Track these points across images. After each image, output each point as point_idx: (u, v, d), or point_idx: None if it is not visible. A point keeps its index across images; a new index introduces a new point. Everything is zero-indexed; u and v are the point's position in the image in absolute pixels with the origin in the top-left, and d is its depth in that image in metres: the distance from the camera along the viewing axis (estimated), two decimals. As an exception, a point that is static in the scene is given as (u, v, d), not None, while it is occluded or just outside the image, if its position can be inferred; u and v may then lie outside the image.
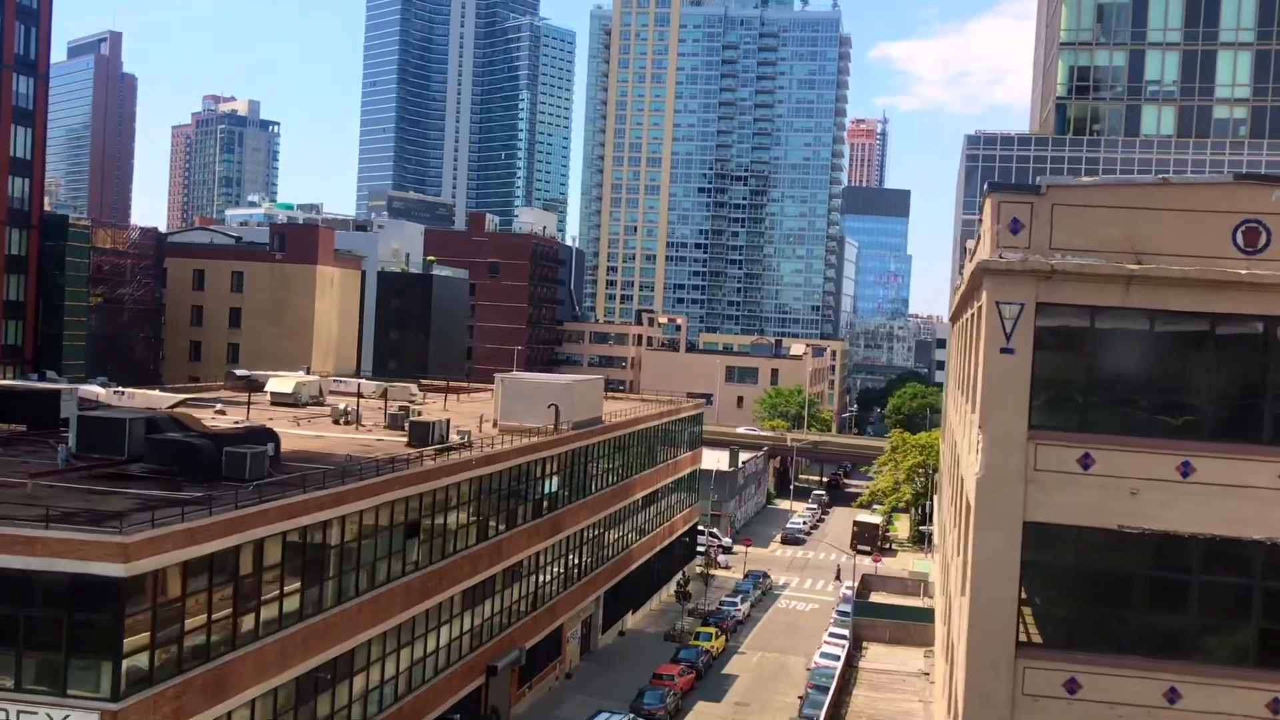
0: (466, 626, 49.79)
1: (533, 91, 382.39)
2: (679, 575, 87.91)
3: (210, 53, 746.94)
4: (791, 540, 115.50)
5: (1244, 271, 24.38)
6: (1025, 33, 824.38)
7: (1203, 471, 24.81)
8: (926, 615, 66.98)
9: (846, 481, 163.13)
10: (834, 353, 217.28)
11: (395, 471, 42.28)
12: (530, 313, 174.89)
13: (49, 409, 49.76)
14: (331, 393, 75.49)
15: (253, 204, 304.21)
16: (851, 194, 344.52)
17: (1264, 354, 25.28)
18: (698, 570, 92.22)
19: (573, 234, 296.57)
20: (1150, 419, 25.40)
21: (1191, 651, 25.17)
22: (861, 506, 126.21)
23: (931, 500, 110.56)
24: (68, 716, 28.22)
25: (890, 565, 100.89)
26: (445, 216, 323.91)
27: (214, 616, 32.07)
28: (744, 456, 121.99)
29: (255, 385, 74.42)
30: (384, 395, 74.29)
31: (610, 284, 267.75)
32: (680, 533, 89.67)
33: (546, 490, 58.98)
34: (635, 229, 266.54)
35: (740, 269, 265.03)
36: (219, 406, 63.40)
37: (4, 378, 74.72)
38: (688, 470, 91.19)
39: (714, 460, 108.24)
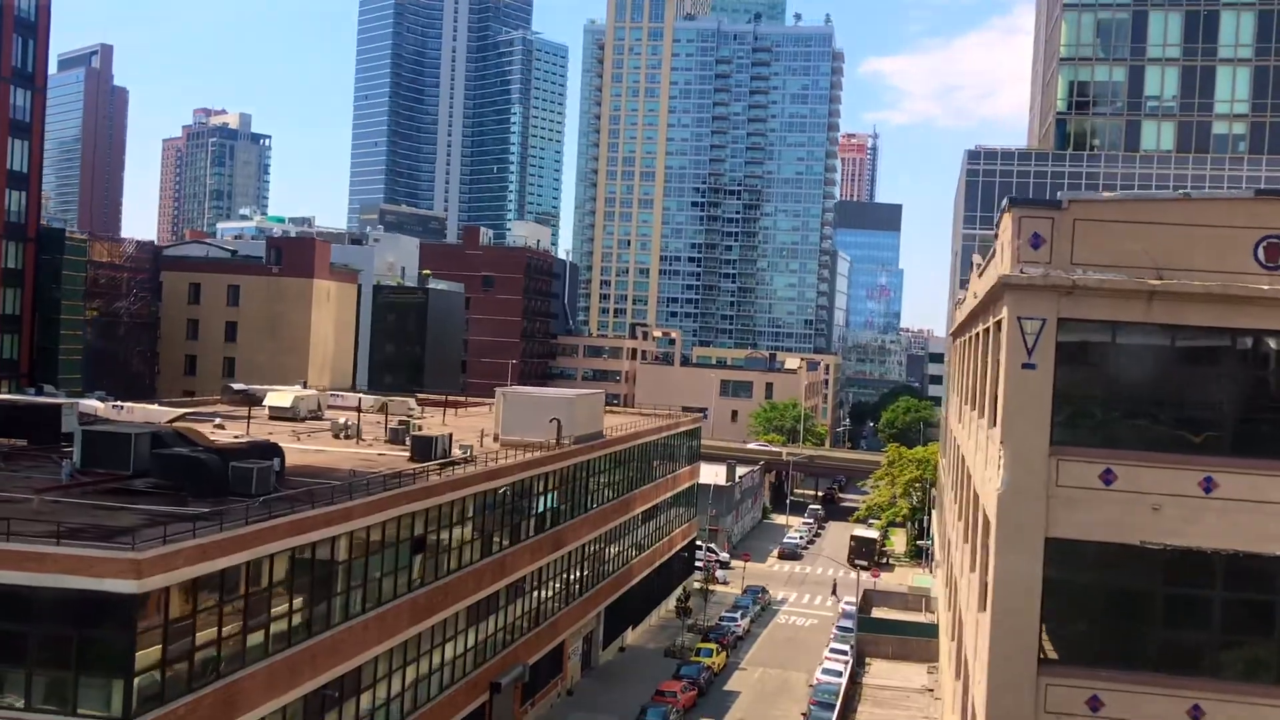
0: (470, 643, 49.49)
1: (525, 105, 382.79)
2: (678, 591, 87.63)
3: (201, 66, 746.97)
4: (789, 555, 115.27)
5: (1265, 287, 24.36)
6: (1014, 48, 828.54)
7: (1225, 487, 24.74)
8: (930, 631, 66.77)
9: (842, 496, 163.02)
10: (827, 367, 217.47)
11: (402, 486, 42.03)
12: (524, 326, 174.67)
13: (50, 423, 49.41)
14: (329, 407, 75.17)
15: (244, 217, 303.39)
16: (843, 208, 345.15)
17: (1287, 369, 25.26)
18: (696, 586, 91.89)
19: (565, 248, 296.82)
20: (1172, 434, 25.33)
21: (1215, 668, 25.07)
22: (858, 521, 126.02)
23: (929, 515, 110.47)
24: (78, 735, 27.90)
25: (888, 580, 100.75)
26: (437, 230, 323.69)
27: (224, 633, 31.77)
28: (740, 471, 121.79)
29: (252, 400, 74.08)
30: (382, 410, 73.99)
31: (604, 297, 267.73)
32: (679, 548, 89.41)
33: (549, 505, 58.74)
34: (629, 242, 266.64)
35: (733, 283, 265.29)
36: (218, 421, 63.06)
37: (1, 392, 74.23)
38: (686, 485, 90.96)
39: (711, 475, 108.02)
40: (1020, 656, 25.42)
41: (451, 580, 46.62)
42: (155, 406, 65.60)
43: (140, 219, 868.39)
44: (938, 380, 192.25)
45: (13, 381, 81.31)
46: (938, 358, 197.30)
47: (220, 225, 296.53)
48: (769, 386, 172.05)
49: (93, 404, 61.85)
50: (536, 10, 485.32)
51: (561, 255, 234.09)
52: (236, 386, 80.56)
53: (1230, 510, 24.67)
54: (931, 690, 60.80)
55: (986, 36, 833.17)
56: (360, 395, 77.78)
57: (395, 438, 59.44)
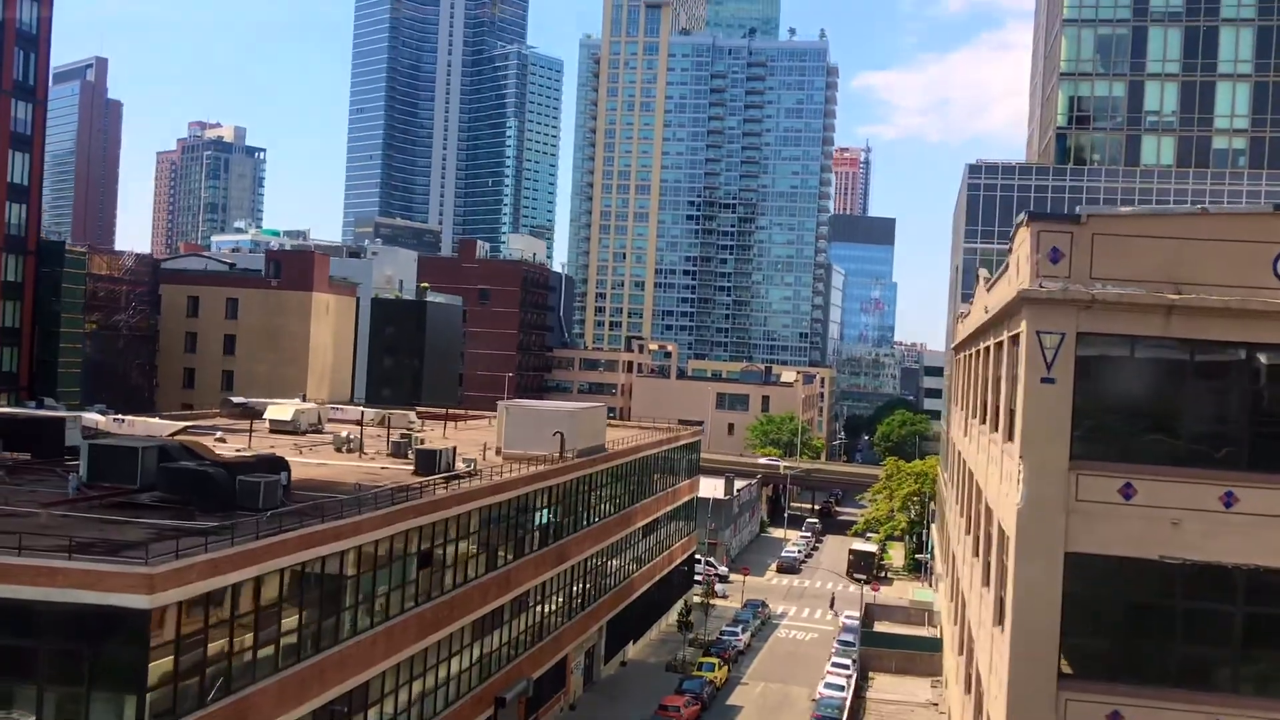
0: (476, 657, 49.30)
1: (520, 119, 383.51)
2: (679, 605, 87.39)
3: (196, 79, 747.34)
4: (787, 569, 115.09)
5: (1285, 301, 24.39)
6: (1006, 63, 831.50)
7: (1246, 502, 24.72)
8: (933, 645, 66.61)
9: (839, 509, 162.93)
10: (823, 380, 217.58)
11: (410, 500, 41.88)
12: (520, 340, 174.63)
13: (54, 437, 49.18)
14: (329, 421, 74.99)
15: (239, 230, 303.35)
16: (837, 221, 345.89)
17: (1308, 384, 25.26)
18: (696, 599, 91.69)
19: (560, 261, 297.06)
20: (1192, 449, 25.31)
21: (1235, 684, 25.00)
22: (856, 535, 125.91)
23: (928, 528, 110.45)
24: (89, 752, 27.66)
25: (887, 594, 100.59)
26: (432, 243, 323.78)
27: (235, 649, 31.57)
28: (738, 484, 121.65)
29: (252, 413, 73.88)
30: (382, 423, 73.80)
31: (599, 310, 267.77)
32: (679, 561, 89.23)
33: (553, 519, 58.59)
34: (624, 256, 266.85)
35: (729, 296, 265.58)
36: (219, 434, 62.82)
37: (1, 405, 73.94)
38: (686, 498, 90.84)
39: (710, 488, 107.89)
40: (1040, 672, 25.36)
41: (457, 595, 46.44)
42: (156, 420, 65.42)
43: (134, 232, 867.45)
44: (934, 394, 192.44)
45: (12, 394, 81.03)
46: (933, 371, 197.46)
47: (215, 238, 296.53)
48: (765, 400, 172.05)
49: (93, 417, 61.63)
50: (531, 25, 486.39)
51: (557, 268, 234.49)
52: (236, 400, 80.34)
53: (1250, 525, 24.64)
54: (936, 705, 60.64)
55: (978, 52, 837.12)
56: (365, 409, 77.51)
57: (397, 451, 59.28)
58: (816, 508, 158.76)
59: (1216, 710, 24.80)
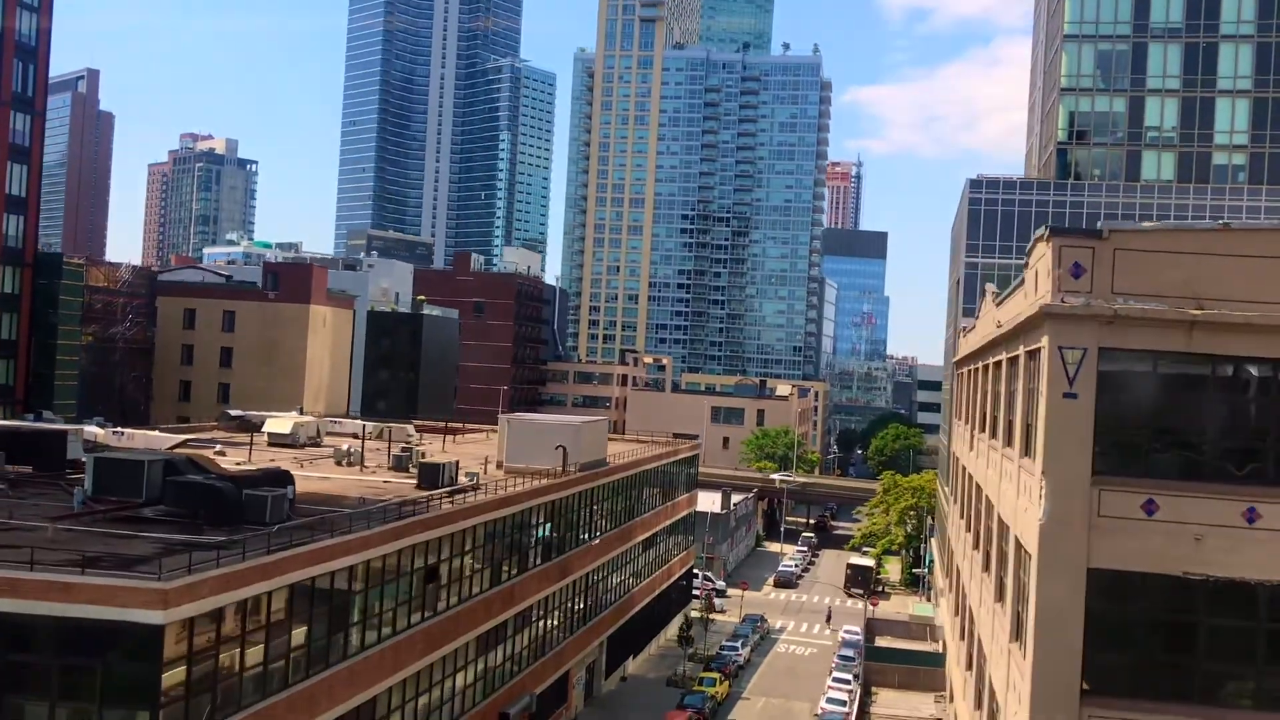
0: (480, 673, 49.02)
1: (513, 132, 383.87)
2: (677, 619, 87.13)
3: (188, 91, 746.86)
4: (784, 583, 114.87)
5: (1309, 317, 24.37)
6: (994, 79, 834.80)
7: (1269, 517, 24.65)
8: (936, 660, 66.45)
9: (834, 523, 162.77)
10: (817, 393, 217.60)
11: (417, 514, 41.66)
12: (515, 353, 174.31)
13: (56, 450, 48.87)
14: (328, 434, 74.71)
15: (231, 242, 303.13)
16: (829, 235, 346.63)
17: (1332, 399, 25.21)
18: (694, 614, 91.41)
19: (553, 274, 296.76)
20: (1214, 464, 25.26)
21: (1258, 700, 24.90)
22: (853, 549, 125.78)
23: (926, 543, 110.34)
24: (100, 769, 27.36)
25: (885, 608, 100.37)
26: (424, 256, 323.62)
27: (246, 664, 31.31)
28: (735, 498, 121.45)
29: (249, 426, 73.61)
30: (381, 436, 73.53)
31: (593, 324, 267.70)
32: (677, 576, 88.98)
33: (556, 533, 58.37)
34: (618, 269, 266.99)
35: (722, 309, 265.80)
36: (218, 448, 62.44)
37: (-3, 418, 73.49)
38: (685, 512, 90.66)
39: (707, 502, 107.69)
40: (1062, 687, 25.23)
41: (462, 609, 46.18)
42: (156, 433, 65.14)
43: (125, 244, 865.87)
44: (928, 408, 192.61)
45: (8, 407, 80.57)
46: (928, 385, 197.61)
47: (207, 250, 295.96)
48: (760, 413, 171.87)
49: (93, 430, 61.26)
50: (525, 38, 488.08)
51: (550, 281, 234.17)
52: (234, 413, 80.00)
53: (1273, 540, 24.55)
54: (940, 719, 60.54)
55: (968, 67, 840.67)
56: (364, 422, 77.21)
57: (399, 465, 59.01)
58: (812, 522, 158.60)
59: (1239, 727, 24.70)
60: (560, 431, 62.33)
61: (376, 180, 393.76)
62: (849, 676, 73.27)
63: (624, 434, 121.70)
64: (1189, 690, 25.16)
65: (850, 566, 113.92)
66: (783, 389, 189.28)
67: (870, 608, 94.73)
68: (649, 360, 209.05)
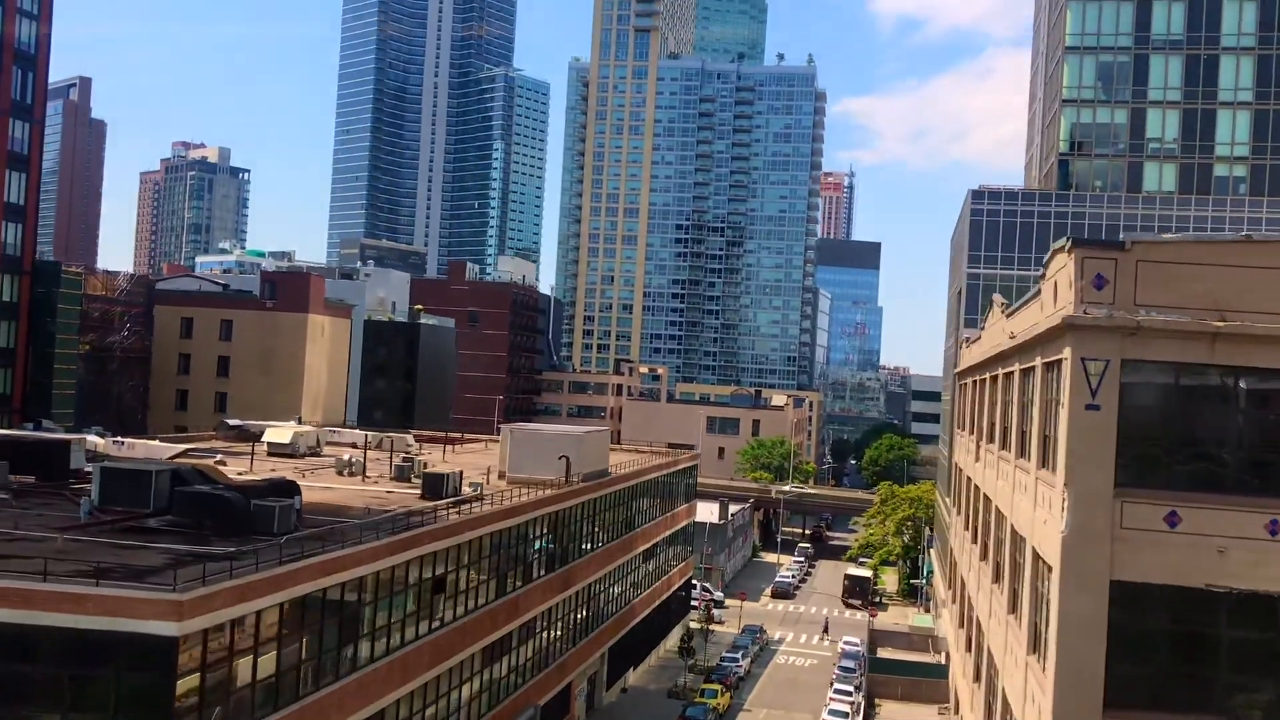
0: (485, 684, 48.79)
1: (506, 141, 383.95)
2: (678, 630, 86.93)
3: (180, 99, 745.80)
4: (782, 594, 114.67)
5: (1332, 329, 24.35)
6: (986, 91, 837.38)
7: (1292, 530, 24.62)
8: (938, 671, 66.32)
9: (829, 534, 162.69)
10: (811, 404, 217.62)
11: (425, 525, 41.48)
12: (510, 362, 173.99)
13: (59, 460, 48.59)
14: (327, 444, 74.41)
15: (223, 251, 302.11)
16: (822, 245, 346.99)
17: (1356, 411, 25.20)
18: (694, 625, 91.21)
19: (547, 283, 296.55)
20: (1237, 477, 25.22)
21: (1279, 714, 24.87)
22: (850, 559, 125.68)
23: (925, 553, 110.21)
24: (112, 782, 27.10)
25: (883, 619, 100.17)
26: (417, 265, 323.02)
27: (259, 675, 31.07)
28: (732, 509, 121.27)
29: (248, 435, 73.31)
30: (381, 446, 73.24)
31: (587, 333, 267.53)
32: (676, 586, 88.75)
33: (559, 544, 58.18)
34: (612, 278, 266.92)
35: (717, 319, 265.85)
36: (218, 458, 62.04)
37: (-5, 427, 73.05)
38: (684, 523, 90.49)
39: (705, 513, 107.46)
40: (1085, 701, 25.12)
41: (468, 621, 45.97)
42: (156, 442, 64.71)
43: (116, 252, 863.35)
44: (922, 418, 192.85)
45: (7, 416, 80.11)
46: (923, 395, 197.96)
47: (199, 259, 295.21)
48: (756, 424, 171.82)
49: (93, 440, 60.89)
50: (518, 47, 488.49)
51: (544, 291, 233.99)
52: (232, 422, 79.63)
53: (1297, 553, 24.53)
54: (943, 731, 60.39)
55: (958, 79, 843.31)
56: (366, 433, 76.94)
57: (401, 475, 58.74)
58: (808, 532, 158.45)
59: (1263, 740, 24.61)
60: (563, 442, 62.14)
61: (369, 189, 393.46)
62: (850, 688, 73.10)
63: (620, 444, 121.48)
64: (1210, 703, 25.06)
65: (848, 577, 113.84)
66: (778, 399, 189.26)
67: (869, 619, 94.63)
68: (644, 370, 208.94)
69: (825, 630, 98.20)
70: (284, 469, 58.95)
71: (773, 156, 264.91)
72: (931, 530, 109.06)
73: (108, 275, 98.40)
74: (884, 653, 74.73)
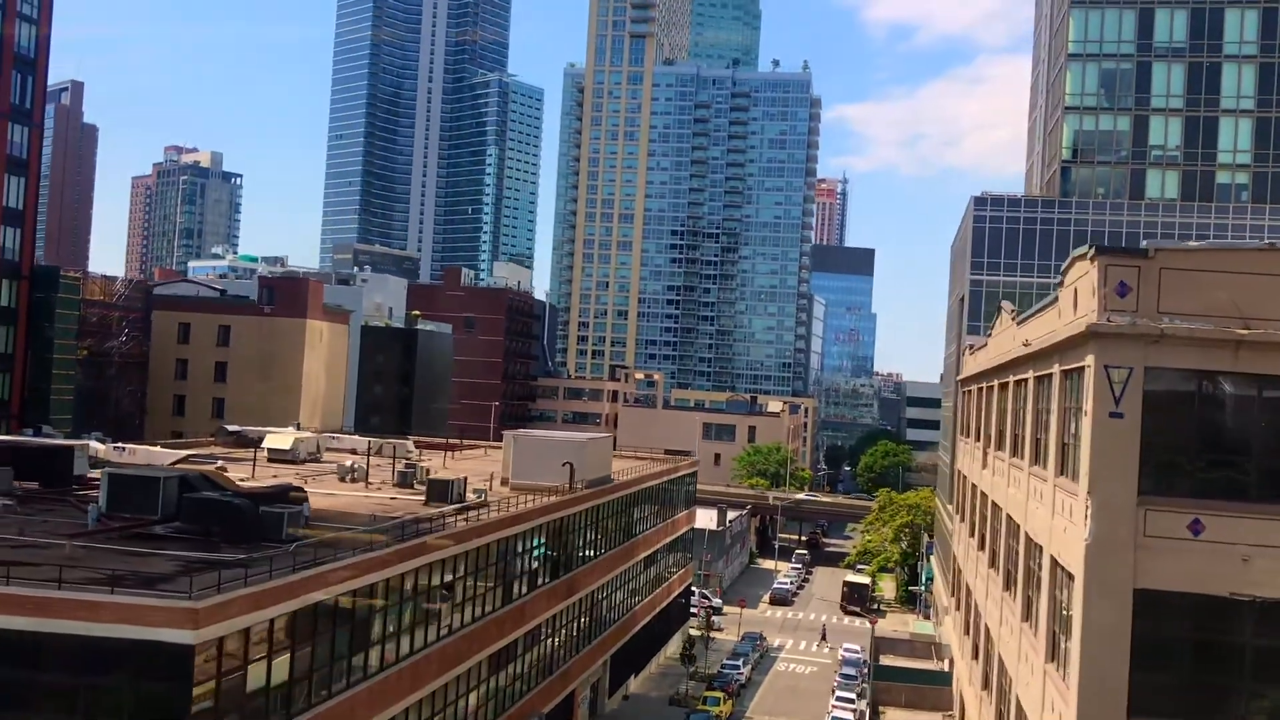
0: (492, 692, 48.58)
1: (500, 147, 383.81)
2: (677, 637, 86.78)
3: (172, 103, 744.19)
4: (780, 600, 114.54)
5: (1356, 337, 24.29)
6: (978, 97, 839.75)
7: (1316, 538, 24.55)
8: (942, 678, 66.26)
9: (825, 540, 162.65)
10: (806, 410, 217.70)
11: (434, 531, 41.30)
12: (505, 368, 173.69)
13: (62, 466, 48.37)
14: (327, 450, 74.16)
15: (216, 256, 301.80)
16: (817, 252, 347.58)
17: (1380, 419, 25.14)
18: (694, 632, 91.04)
19: (541, 289, 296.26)
20: (1261, 485, 25.13)
21: (1306, 724, 24.78)
22: (848, 566, 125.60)
23: (924, 560, 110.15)
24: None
25: (882, 626, 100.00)
26: (411, 270, 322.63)
27: (272, 684, 30.86)
28: (730, 515, 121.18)
29: (247, 441, 73.07)
30: (382, 453, 73.04)
31: (582, 339, 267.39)
32: (677, 593, 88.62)
33: (564, 551, 58.02)
34: (607, 284, 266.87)
35: (712, 325, 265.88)
36: (219, 464, 61.87)
37: (-6, 433, 72.67)
38: (684, 529, 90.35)
39: (704, 519, 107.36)
40: (1109, 709, 25.00)
41: (475, 628, 45.77)
42: (158, 448, 64.51)
43: (108, 256, 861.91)
44: (918, 424, 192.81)
45: (4, 422, 79.66)
46: (918, 401, 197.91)
47: (192, 264, 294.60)
48: (752, 430, 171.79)
49: (95, 446, 60.66)
50: (512, 53, 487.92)
51: (539, 297, 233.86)
52: (231, 428, 79.37)
53: (1321, 562, 24.46)
54: (947, 739, 60.28)
55: (951, 86, 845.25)
56: (368, 439, 76.70)
57: (403, 481, 58.52)
58: (804, 538, 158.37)
59: (1287, 750, 24.53)
60: (567, 448, 62.00)
61: (363, 194, 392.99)
62: (853, 695, 73.06)
63: (618, 451, 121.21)
64: (1234, 712, 24.99)
65: (846, 584, 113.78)
66: (774, 405, 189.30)
67: (869, 626, 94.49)
68: (640, 376, 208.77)
69: (823, 637, 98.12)
70: (286, 475, 58.75)
71: (768, 163, 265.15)
72: (931, 537, 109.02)
73: (106, 280, 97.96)
74: (887, 660, 74.62)
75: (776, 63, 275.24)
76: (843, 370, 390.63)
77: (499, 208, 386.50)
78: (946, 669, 68.27)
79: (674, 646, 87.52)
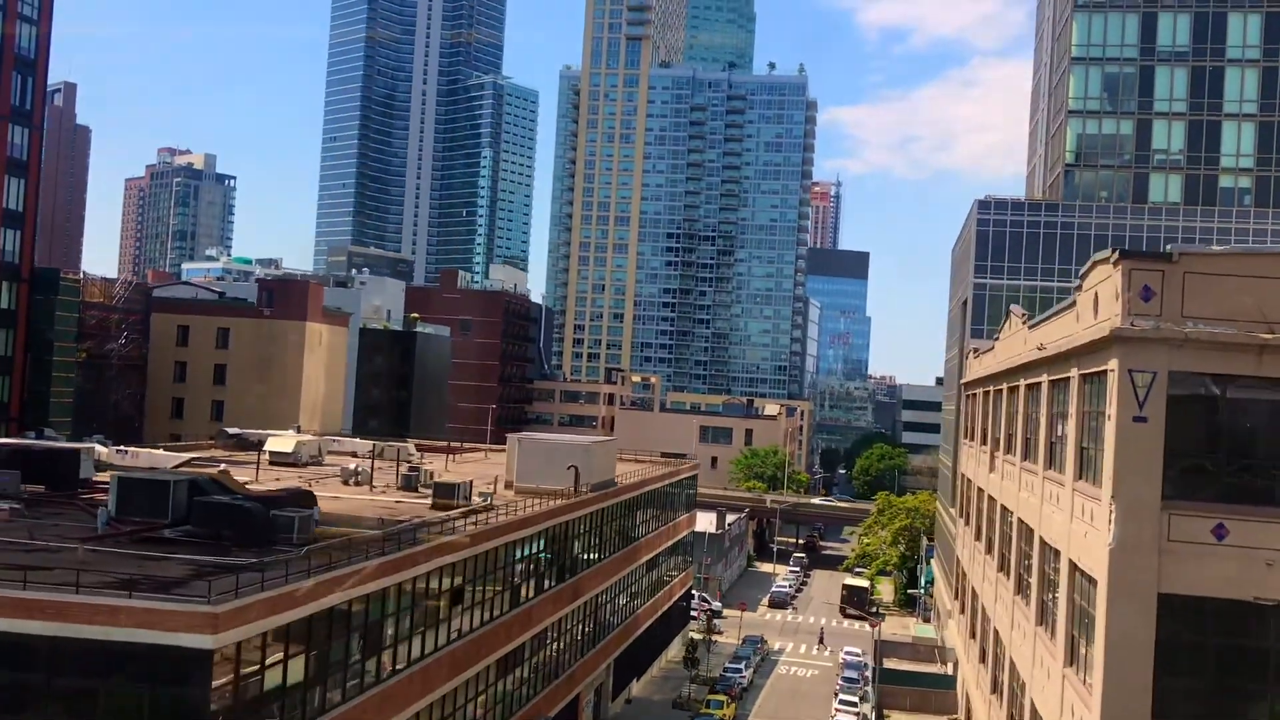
0: (500, 696, 48.47)
1: (495, 149, 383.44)
2: (678, 640, 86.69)
3: (165, 104, 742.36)
4: (779, 604, 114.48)
5: (1382, 342, 24.31)
6: (971, 100, 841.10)
7: (1340, 543, 24.56)
8: (946, 682, 66.27)
9: (822, 543, 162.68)
10: (802, 413, 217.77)
11: (444, 535, 41.21)
12: (501, 371, 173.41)
13: (68, 469, 48.18)
14: (329, 453, 73.94)
15: (210, 258, 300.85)
16: (811, 255, 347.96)
17: None
18: (696, 635, 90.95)
19: (536, 292, 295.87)
20: (1285, 489, 25.18)
21: (1330, 727, 24.78)
22: (847, 570, 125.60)
23: (923, 563, 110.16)
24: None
25: (882, 629, 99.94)
26: (405, 273, 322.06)
27: (288, 689, 30.73)
28: (729, 519, 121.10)
29: (247, 444, 72.83)
30: (382, 455, 72.82)
31: (577, 342, 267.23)
32: (677, 597, 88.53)
33: (570, 554, 57.92)
34: (603, 287, 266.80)
35: (707, 328, 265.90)
36: (222, 467, 61.61)
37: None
38: (685, 533, 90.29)
39: (703, 523, 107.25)
40: (1133, 714, 24.98)
41: (484, 632, 45.67)
42: (160, 451, 64.34)
43: (100, 258, 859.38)
44: (913, 427, 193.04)
45: (4, 425, 79.30)
46: (914, 405, 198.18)
47: (186, 266, 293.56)
48: (749, 433, 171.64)
49: (97, 449, 60.41)
50: (507, 55, 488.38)
51: (534, 299, 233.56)
52: (232, 431, 79.09)
53: (1345, 566, 24.47)
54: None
55: (944, 89, 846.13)
56: (373, 442, 76.50)
57: (408, 484, 58.40)
58: (801, 542, 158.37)
59: (1313, 755, 24.53)
60: (571, 451, 61.86)
61: (357, 196, 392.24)
62: (855, 699, 73.04)
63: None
64: (1258, 717, 25.00)
65: (846, 587, 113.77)
66: (771, 408, 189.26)
67: (871, 629, 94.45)
68: (636, 379, 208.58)
69: (821, 640, 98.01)
70: (288, 478, 58.60)
71: (764, 165, 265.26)
72: (931, 540, 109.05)
73: (106, 282, 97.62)
74: (890, 663, 74.63)
75: (773, 65, 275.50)
76: (835, 373, 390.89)
77: (493, 210, 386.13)
78: (951, 673, 68.28)
79: (675, 650, 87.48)
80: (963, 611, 61.97)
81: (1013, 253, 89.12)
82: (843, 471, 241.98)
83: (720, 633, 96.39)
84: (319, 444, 73.19)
